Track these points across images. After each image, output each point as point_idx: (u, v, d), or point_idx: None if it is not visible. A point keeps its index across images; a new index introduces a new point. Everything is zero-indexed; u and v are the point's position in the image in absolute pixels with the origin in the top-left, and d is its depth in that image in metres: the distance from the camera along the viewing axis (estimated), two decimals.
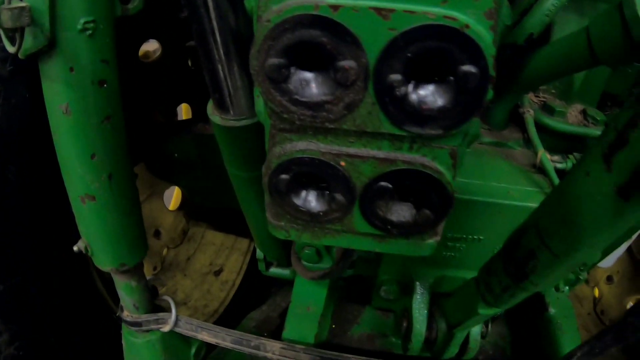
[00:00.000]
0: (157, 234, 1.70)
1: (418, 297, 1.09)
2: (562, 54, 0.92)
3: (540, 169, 1.08)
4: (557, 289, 1.29)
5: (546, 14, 0.96)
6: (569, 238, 0.62)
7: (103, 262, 0.90)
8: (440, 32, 0.43)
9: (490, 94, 0.47)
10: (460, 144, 0.55)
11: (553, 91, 1.20)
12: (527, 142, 1.15)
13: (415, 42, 0.44)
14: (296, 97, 0.50)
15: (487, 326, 1.17)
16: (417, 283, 1.10)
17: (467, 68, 0.45)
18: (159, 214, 1.71)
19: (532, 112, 1.15)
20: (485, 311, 0.95)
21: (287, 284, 1.36)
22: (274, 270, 1.29)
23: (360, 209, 0.61)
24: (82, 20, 0.67)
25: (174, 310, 1.00)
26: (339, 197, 0.60)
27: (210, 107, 0.86)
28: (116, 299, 1.04)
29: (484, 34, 0.43)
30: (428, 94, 0.48)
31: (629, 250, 1.92)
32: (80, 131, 0.74)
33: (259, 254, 1.23)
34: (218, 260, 1.86)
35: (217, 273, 1.85)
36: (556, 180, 1.04)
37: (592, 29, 0.78)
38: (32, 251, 1.11)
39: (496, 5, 0.43)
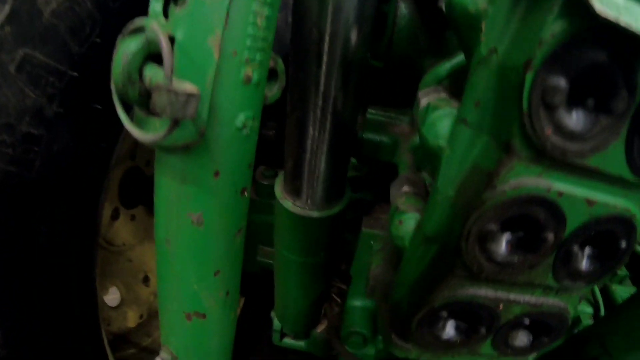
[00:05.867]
0: (146, 279, 1.56)
1: None
2: None
3: None
4: None
5: None
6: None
7: None
8: (617, 219, 0.58)
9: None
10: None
11: None
12: None
13: (598, 225, 0.59)
14: (493, 257, 0.60)
15: None
16: None
17: (624, 244, 0.61)
18: (151, 259, 1.55)
19: None
20: None
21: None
22: (287, 341, 1.32)
23: (493, 337, 0.71)
24: (242, 116, 0.56)
25: None
26: (482, 330, 0.70)
27: (279, 191, 0.87)
28: None
29: None
30: (588, 262, 0.63)
31: None
32: (210, 245, 0.64)
33: (276, 325, 1.26)
34: None
35: None
36: None
37: None
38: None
39: None
